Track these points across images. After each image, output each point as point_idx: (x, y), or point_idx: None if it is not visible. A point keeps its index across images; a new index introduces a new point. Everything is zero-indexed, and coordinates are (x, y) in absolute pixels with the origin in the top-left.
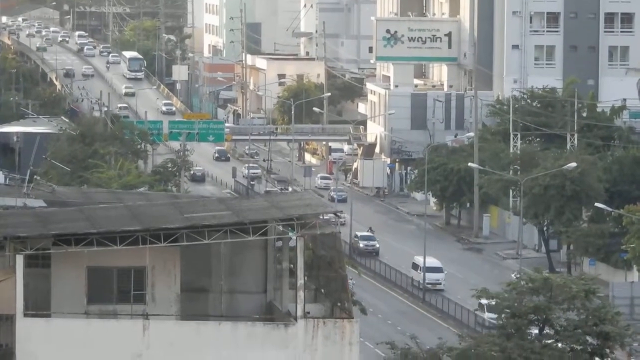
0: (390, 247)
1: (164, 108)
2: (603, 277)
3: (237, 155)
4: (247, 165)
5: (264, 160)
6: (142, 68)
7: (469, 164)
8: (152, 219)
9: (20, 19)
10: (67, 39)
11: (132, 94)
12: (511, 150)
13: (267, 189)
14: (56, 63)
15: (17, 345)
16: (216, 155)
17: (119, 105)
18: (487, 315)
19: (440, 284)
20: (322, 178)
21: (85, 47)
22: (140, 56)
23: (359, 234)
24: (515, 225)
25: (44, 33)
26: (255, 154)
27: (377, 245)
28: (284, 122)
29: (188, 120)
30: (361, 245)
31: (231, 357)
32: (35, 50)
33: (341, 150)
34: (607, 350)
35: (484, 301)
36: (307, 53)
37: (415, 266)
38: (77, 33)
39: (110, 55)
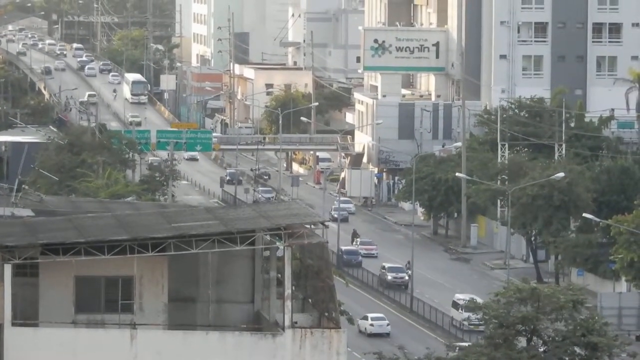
0: (380, 257)
1: (185, 155)
2: (591, 287)
3: (246, 177)
4: (259, 188)
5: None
6: (146, 92)
7: (457, 173)
8: (140, 228)
9: (18, 28)
10: (64, 52)
11: (139, 123)
12: (499, 160)
13: None
14: (44, 73)
15: (5, 354)
16: (227, 178)
17: (88, 93)
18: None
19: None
20: (344, 202)
21: (87, 67)
22: (144, 79)
23: (386, 265)
24: (503, 235)
25: (40, 46)
26: (266, 175)
27: (407, 278)
28: (272, 131)
29: (176, 129)
30: (389, 277)
31: None
32: (16, 54)
33: (329, 160)
34: None
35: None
36: (295, 63)
37: (455, 305)
38: (74, 46)
39: (111, 74)
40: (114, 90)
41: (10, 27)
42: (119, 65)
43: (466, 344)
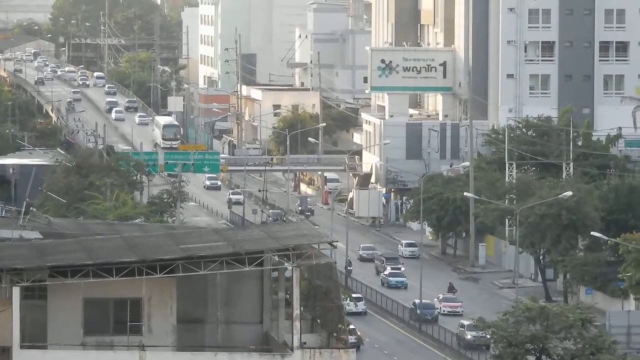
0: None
1: (207, 182)
2: (600, 306)
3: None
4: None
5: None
6: (178, 136)
7: (465, 193)
8: (148, 250)
9: (32, 52)
10: (87, 82)
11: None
12: (507, 179)
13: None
14: (52, 95)
15: None
16: (270, 219)
17: (72, 90)
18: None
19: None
20: (407, 245)
21: (115, 110)
22: (176, 122)
23: (465, 322)
24: (512, 254)
25: (59, 73)
26: (308, 212)
27: (488, 336)
28: (280, 152)
29: (184, 151)
30: (468, 336)
31: None
32: (12, 72)
33: (337, 180)
34: None
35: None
36: (302, 83)
37: None
38: (95, 74)
39: (138, 115)
40: (156, 145)
41: (27, 51)
42: (127, 87)
43: None
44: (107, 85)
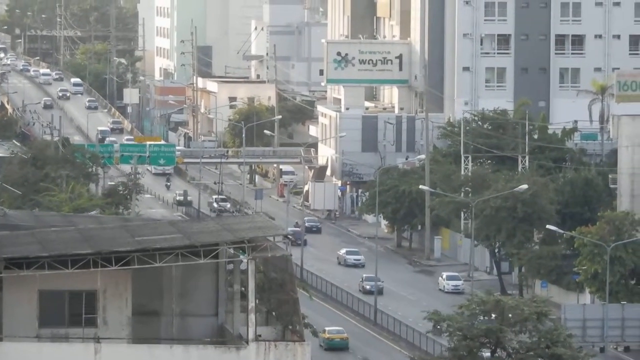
0: (340, 269)
1: (215, 205)
2: (555, 299)
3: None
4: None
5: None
6: None
7: (420, 186)
8: (104, 242)
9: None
10: (67, 94)
11: (190, 202)
12: (462, 172)
13: None
14: (8, 87)
15: None
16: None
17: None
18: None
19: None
20: (449, 278)
21: (108, 140)
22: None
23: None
24: (467, 247)
25: (32, 73)
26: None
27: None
28: (235, 144)
29: (139, 143)
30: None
31: None
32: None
33: (293, 173)
34: None
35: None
36: (258, 76)
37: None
38: (72, 80)
39: (125, 139)
40: (168, 180)
41: None
42: (83, 79)
43: None
44: (87, 99)
